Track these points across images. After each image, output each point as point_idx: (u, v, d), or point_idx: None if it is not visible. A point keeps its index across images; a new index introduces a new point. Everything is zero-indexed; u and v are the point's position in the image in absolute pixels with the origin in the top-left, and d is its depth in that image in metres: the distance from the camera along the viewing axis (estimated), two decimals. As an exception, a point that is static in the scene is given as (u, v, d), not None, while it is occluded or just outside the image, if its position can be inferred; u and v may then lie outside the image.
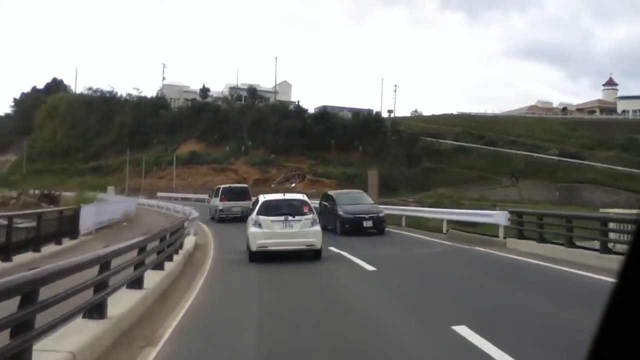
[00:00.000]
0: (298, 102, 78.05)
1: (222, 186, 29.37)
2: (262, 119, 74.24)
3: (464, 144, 79.80)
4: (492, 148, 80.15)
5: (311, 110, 79.09)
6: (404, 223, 22.90)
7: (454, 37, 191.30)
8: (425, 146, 77.47)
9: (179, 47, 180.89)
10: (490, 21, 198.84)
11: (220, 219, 26.23)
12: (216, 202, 27.49)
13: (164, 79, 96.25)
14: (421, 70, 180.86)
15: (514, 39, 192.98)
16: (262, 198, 13.34)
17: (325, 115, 75.80)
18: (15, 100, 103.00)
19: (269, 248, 12.06)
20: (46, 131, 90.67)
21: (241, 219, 22.73)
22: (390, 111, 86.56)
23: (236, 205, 26.18)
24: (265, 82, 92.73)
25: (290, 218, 12.16)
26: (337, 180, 66.98)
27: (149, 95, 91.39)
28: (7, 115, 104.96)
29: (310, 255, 12.33)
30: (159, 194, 57.41)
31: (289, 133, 72.91)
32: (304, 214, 12.37)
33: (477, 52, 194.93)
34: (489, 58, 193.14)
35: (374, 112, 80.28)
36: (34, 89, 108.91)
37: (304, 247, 12.15)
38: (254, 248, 12.10)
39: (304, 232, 12.15)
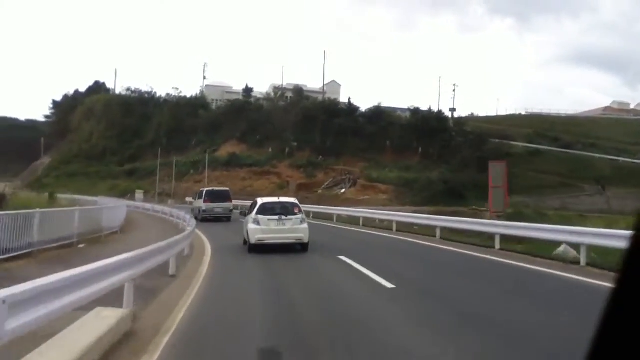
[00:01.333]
0: (349, 99, 70.05)
1: (206, 189, 31.50)
2: (309, 118, 66.75)
3: (539, 146, 69.63)
4: (571, 151, 69.64)
5: (363, 109, 70.74)
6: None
7: (503, 42, 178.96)
8: (493, 149, 67.74)
9: (222, 48, 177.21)
10: (541, 26, 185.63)
11: (203, 218, 27.07)
12: (200, 204, 29.32)
13: (205, 78, 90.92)
14: (470, 75, 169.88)
15: (566, 44, 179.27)
16: (260, 200, 15.36)
17: (380, 113, 67.50)
18: (54, 102, 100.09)
19: (266, 241, 14.07)
20: (82, 133, 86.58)
21: (220, 219, 27.53)
22: (452, 109, 77.29)
23: (218, 207, 28.42)
24: (312, 83, 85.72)
25: (283, 217, 14.25)
26: (394, 185, 58.50)
27: (189, 96, 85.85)
28: (48, 118, 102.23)
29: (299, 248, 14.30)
30: (188, 199, 50.75)
31: (339, 133, 65.11)
32: (294, 214, 14.50)
33: (528, 57, 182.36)
34: (540, 63, 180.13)
35: (435, 111, 71.15)
36: (76, 92, 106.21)
37: (294, 240, 14.22)
38: (253, 241, 14.14)
39: (295, 228, 14.23)
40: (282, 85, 79.21)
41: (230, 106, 75.85)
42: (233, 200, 30.59)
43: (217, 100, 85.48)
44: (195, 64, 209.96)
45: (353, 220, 27.28)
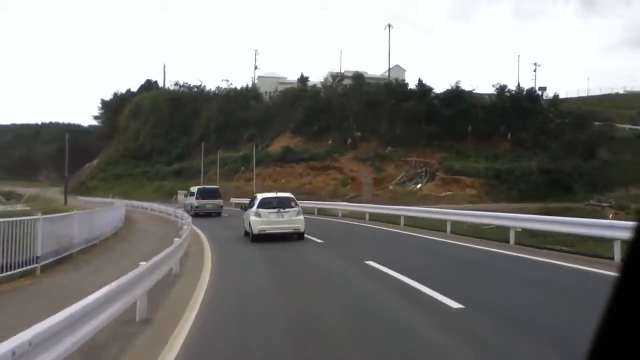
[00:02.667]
0: (419, 80, 59.96)
1: (197, 187, 33.92)
2: (374, 104, 57.41)
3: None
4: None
5: (438, 91, 60.36)
6: None
7: (567, 27, 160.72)
8: (597, 132, 55.83)
9: (274, 37, 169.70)
10: (607, 9, 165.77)
11: (195, 214, 28.49)
12: (192, 200, 31.90)
13: (256, 67, 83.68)
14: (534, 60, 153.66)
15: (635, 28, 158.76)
16: (260, 196, 17.08)
17: (459, 94, 57.03)
18: (102, 102, 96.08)
19: (267, 231, 15.50)
20: (129, 132, 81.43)
21: (210, 214, 30.77)
22: (542, 88, 65.37)
23: (209, 203, 31.09)
24: (372, 70, 76.00)
25: (281, 210, 15.84)
26: (482, 177, 48.10)
27: (239, 87, 78.62)
28: (96, 119, 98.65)
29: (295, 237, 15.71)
30: (233, 200, 42.93)
31: (409, 119, 55.40)
32: (291, 207, 16.13)
33: (593, 42, 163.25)
34: (606, 48, 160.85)
35: (525, 89, 59.77)
36: (128, 91, 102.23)
37: (292, 230, 15.83)
38: (255, 232, 15.58)
39: (292, 219, 15.86)
40: (340, 72, 70.06)
41: (283, 95, 67.74)
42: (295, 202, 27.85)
43: (270, 92, 77.79)
44: (247, 54, 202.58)
45: (430, 224, 18.46)
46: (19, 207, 30.40)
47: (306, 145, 58.83)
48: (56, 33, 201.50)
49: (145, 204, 40.37)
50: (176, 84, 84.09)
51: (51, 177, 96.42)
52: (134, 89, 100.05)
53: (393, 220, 21.55)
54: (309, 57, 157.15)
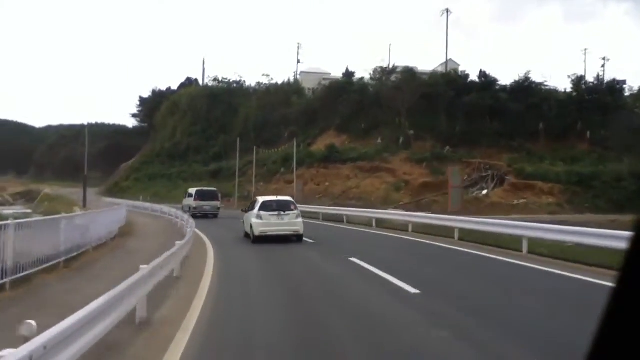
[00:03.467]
0: (480, 71, 53.16)
1: (196, 189, 34.36)
2: (429, 97, 51.08)
3: None
4: None
5: (503, 83, 53.33)
6: None
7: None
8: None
9: (318, 31, 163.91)
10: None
11: (193, 215, 26.95)
12: (190, 202, 32.17)
13: (299, 61, 78.77)
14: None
15: None
16: (261, 199, 17.43)
17: (528, 87, 49.98)
18: (140, 99, 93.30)
19: (268, 233, 15.91)
20: (166, 130, 77.87)
21: (207, 215, 30.88)
22: (620, 82, 57.20)
23: (206, 205, 31.59)
24: (422, 65, 69.26)
25: (282, 213, 16.21)
26: (562, 183, 41.13)
27: (280, 83, 73.71)
28: (134, 117, 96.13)
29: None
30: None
31: (471, 115, 48.84)
32: (291, 210, 16.49)
33: None
34: None
35: (605, 82, 52.00)
36: (168, 89, 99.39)
37: (292, 233, 16.20)
38: (257, 233, 15.99)
39: (292, 222, 16.27)
40: (388, 66, 63.80)
41: (327, 90, 62.20)
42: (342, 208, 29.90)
43: (313, 88, 72.55)
44: (289, 48, 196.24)
45: (495, 239, 14.36)
46: (17, 209, 26.23)
47: (353, 144, 53.19)
48: (101, 35, 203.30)
49: (156, 206, 37.18)
50: (215, 79, 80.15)
51: (95, 177, 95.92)
52: (175, 87, 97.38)
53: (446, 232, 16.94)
54: (355, 52, 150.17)
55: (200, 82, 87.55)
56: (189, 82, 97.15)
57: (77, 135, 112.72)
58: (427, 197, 41.25)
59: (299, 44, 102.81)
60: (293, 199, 41.45)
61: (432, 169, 45.60)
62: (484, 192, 41.69)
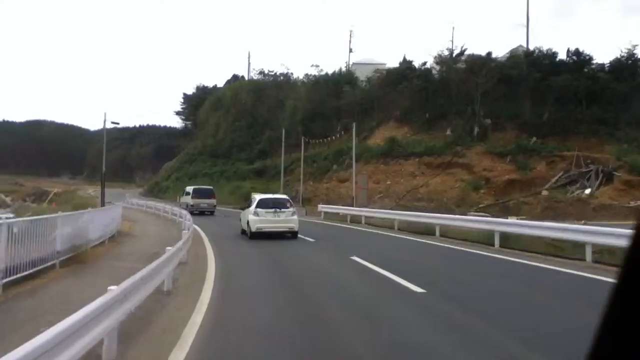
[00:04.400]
0: (572, 49, 44.56)
1: (193, 187, 35.94)
2: (509, 80, 43.19)
3: None
4: None
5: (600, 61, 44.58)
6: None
7: None
8: None
9: (371, 18, 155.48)
10: None
11: (190, 212, 26.65)
12: (188, 199, 33.26)
13: (351, 50, 72.34)
14: None
15: None
16: (258, 196, 18.26)
17: (634, 65, 41.24)
18: (184, 96, 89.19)
19: (264, 230, 16.54)
20: (208, 127, 73.02)
21: (204, 212, 31.71)
22: None
23: (203, 202, 32.56)
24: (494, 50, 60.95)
25: (278, 210, 16.90)
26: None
27: (331, 73, 67.14)
28: (178, 114, 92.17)
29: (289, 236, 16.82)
30: (322, 207, 30.64)
31: (562, 100, 40.68)
32: (287, 207, 17.21)
33: None
34: None
35: None
36: (215, 87, 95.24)
37: (287, 229, 16.85)
38: (253, 230, 16.59)
39: (287, 219, 16.93)
40: (452, 51, 55.68)
41: (385, 78, 55.20)
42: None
43: (368, 77, 65.67)
44: (339, 38, 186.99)
45: None
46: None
47: (417, 137, 45.89)
48: (152, 37, 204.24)
49: (160, 205, 34.38)
50: (260, 72, 74.70)
51: (145, 177, 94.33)
52: (221, 85, 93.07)
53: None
54: (411, 40, 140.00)
55: (246, 77, 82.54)
56: (236, 79, 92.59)
57: (129, 137, 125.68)
58: (513, 199, 33.53)
59: (351, 31, 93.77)
60: (354, 199, 33.90)
61: (517, 164, 37.75)
62: (587, 191, 33.50)
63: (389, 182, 41.09)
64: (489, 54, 47.82)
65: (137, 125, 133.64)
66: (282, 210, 16.89)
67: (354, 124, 38.97)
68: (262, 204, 16.99)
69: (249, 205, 17.68)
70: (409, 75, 51.36)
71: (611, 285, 0.78)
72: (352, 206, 30.13)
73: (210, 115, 74.12)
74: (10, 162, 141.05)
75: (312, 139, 55.13)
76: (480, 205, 33.08)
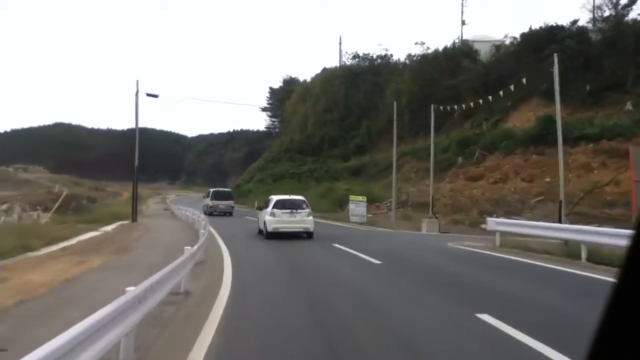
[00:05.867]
0: None
1: (212, 189, 37.44)
2: None
3: None
4: None
5: None
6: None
7: None
8: None
9: None
10: None
11: (210, 213, 30.43)
12: (207, 201, 34.87)
13: (464, 23, 59.67)
14: None
15: None
16: (275, 197, 18.08)
17: None
18: (271, 90, 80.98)
19: (280, 230, 16.90)
20: (296, 121, 63.75)
21: (223, 213, 32.77)
22: None
23: (222, 204, 33.63)
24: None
25: (294, 211, 17.13)
26: None
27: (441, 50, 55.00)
28: (264, 110, 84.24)
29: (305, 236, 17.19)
30: (494, 221, 17.58)
31: None
32: (303, 208, 17.41)
33: None
34: None
35: None
36: (304, 82, 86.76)
37: (302, 229, 17.19)
38: (270, 230, 17.03)
39: (303, 220, 17.21)
40: (616, 1, 41.27)
41: (521, 43, 42.35)
42: None
43: (495, 44, 52.53)
44: (447, 12, 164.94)
45: None
46: None
47: (578, 116, 32.80)
48: (237, 40, 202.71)
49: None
50: (354, 56, 64.20)
51: (237, 182, 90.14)
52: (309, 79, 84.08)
53: None
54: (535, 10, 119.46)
55: (337, 64, 72.48)
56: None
57: (224, 143, 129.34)
58: None
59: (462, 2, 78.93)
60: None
61: None
62: None
63: (547, 179, 28.53)
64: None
65: (231, 130, 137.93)
66: (298, 211, 17.15)
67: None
68: (278, 204, 17.26)
69: (266, 206, 17.98)
70: (558, 36, 38.16)
71: (612, 284, 0.77)
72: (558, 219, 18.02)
73: (298, 108, 64.94)
74: (115, 168, 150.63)
75: (421, 129, 43.80)
76: None
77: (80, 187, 64.85)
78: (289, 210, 16.96)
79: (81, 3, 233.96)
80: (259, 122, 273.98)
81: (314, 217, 18.64)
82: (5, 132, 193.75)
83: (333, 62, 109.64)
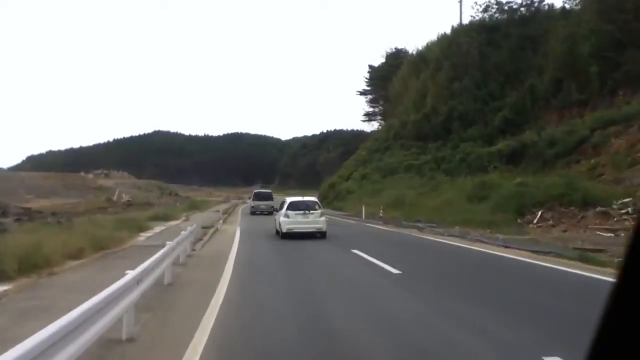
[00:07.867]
0: None
1: (255, 191, 40.09)
2: None
3: None
4: None
5: None
6: None
7: None
8: None
9: None
10: None
11: (252, 212, 34.92)
12: (250, 202, 38.37)
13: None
14: None
15: None
16: (289, 199, 18.58)
17: None
18: (370, 69, 65.66)
19: (294, 230, 17.30)
20: (408, 99, 47.86)
21: (263, 212, 33.47)
22: None
23: (262, 204, 35.22)
24: None
25: (307, 212, 17.56)
26: None
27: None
28: (362, 94, 69.11)
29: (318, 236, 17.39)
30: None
31: None
32: (315, 209, 17.82)
33: None
34: None
35: None
36: (416, 52, 71.08)
37: (316, 230, 17.48)
38: (284, 230, 17.48)
39: (316, 220, 17.56)
40: None
41: None
42: None
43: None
44: None
45: None
46: None
47: None
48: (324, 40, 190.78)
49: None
50: (485, 9, 46.96)
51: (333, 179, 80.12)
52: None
53: None
54: None
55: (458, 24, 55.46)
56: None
57: (317, 144, 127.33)
58: None
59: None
60: None
61: None
62: None
63: None
64: None
65: (325, 131, 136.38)
66: (311, 212, 17.65)
67: None
68: (292, 206, 17.75)
69: (281, 208, 18.60)
70: None
71: (611, 284, 0.76)
72: None
73: (410, 83, 48.99)
74: (216, 173, 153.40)
75: (623, 82, 26.36)
76: None
77: (150, 193, 60.41)
78: (302, 212, 17.50)
79: (173, 15, 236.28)
80: (354, 121, 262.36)
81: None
82: (108, 142, 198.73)
83: (447, 27, 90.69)
